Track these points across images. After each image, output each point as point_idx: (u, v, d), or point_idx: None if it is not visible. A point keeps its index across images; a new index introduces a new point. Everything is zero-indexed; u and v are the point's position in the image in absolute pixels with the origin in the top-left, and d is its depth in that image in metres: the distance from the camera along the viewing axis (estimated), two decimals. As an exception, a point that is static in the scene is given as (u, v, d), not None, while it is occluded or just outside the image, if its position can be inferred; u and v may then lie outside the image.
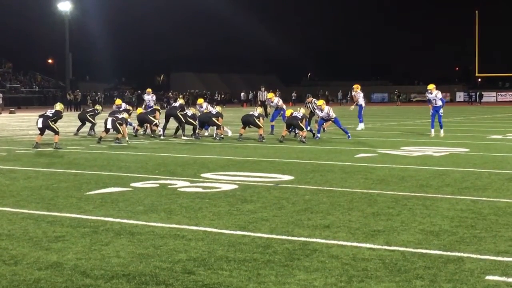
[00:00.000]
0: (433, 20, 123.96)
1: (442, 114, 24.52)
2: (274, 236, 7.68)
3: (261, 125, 22.46)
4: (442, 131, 24.34)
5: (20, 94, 76.74)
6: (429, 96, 24.79)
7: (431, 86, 25.06)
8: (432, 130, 24.75)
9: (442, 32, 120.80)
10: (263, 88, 46.04)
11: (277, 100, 28.52)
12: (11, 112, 53.67)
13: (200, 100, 27.09)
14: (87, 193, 10.95)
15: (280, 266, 6.40)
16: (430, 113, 24.95)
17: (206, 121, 23.41)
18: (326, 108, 23.57)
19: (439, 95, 24.96)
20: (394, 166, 14.66)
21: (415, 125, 32.78)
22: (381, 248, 7.11)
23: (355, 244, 7.29)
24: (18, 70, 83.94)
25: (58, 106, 21.02)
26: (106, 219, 8.72)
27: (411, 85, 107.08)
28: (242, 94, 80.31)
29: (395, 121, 37.45)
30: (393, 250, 7.02)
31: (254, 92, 74.22)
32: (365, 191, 11.06)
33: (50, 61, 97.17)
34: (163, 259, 6.64)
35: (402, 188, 11.33)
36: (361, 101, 29.29)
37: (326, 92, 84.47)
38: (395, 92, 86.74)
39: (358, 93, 29.56)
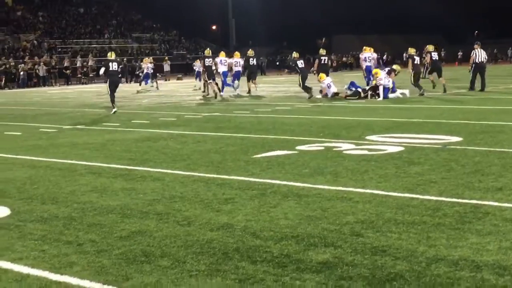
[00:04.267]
0: None
1: None
2: (443, 198, 7.49)
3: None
4: None
5: (186, 61, 79.08)
6: None
7: None
8: None
9: None
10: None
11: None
12: (178, 79, 55.56)
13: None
14: (254, 156, 11.14)
15: (451, 229, 6.23)
16: None
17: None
18: None
19: None
20: None
21: None
22: (559, 211, 6.76)
23: (530, 207, 6.98)
24: (184, 37, 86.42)
25: None
26: (273, 181, 8.84)
27: None
28: (405, 55, 78.33)
29: None
30: None
31: (417, 53, 72.41)
32: (539, 152, 10.55)
33: (214, 27, 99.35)
34: (331, 221, 6.65)
35: None
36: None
37: (495, 50, 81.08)
38: None
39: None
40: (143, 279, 5.13)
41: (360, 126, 15.13)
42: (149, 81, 39.93)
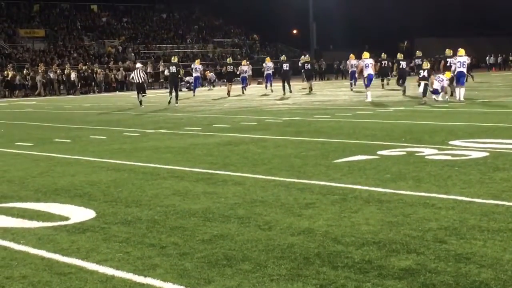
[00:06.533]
0: None
1: None
2: (530, 206, 7.30)
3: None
4: None
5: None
6: None
7: None
8: None
9: None
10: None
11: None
12: (259, 83, 55.71)
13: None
14: (335, 161, 11.09)
15: (538, 237, 6.07)
16: None
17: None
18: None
19: None
20: None
21: None
22: None
23: None
24: (265, 42, 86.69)
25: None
26: (354, 186, 8.78)
27: None
28: (490, 58, 76.79)
29: None
30: None
31: (503, 56, 71.31)
32: None
33: (294, 31, 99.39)
34: (413, 228, 6.56)
35: None
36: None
37: None
38: None
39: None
40: (225, 282, 5.17)
41: (443, 131, 14.88)
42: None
